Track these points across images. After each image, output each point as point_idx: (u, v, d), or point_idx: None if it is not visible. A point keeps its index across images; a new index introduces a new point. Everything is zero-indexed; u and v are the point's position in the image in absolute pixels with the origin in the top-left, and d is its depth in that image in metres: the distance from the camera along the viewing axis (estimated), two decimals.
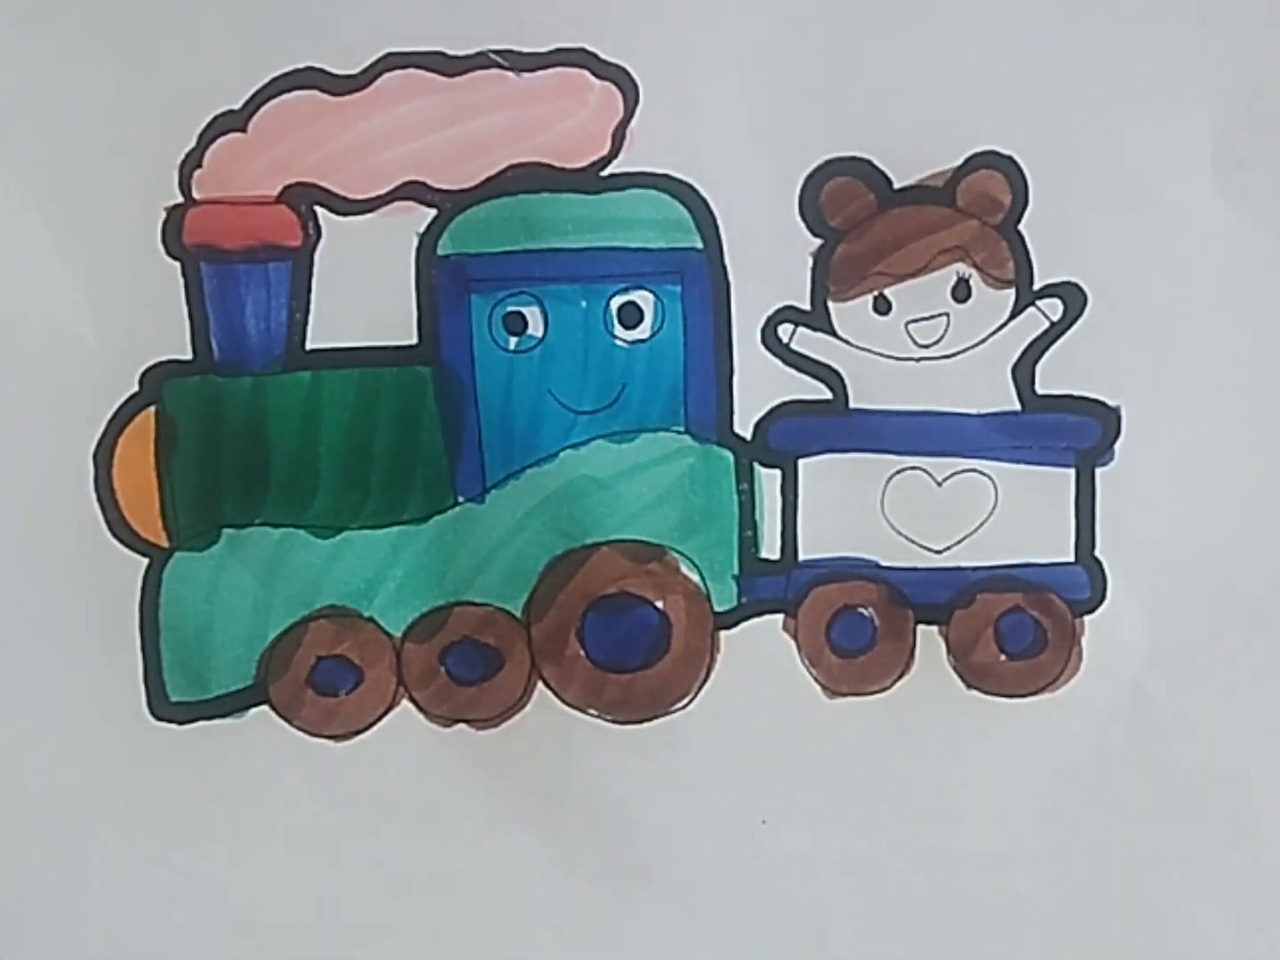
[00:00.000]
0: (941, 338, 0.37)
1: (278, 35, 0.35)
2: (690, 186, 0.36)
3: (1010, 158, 0.36)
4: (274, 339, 0.36)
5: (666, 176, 0.36)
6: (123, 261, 0.36)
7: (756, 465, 0.37)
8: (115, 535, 0.37)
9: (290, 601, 0.37)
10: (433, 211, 0.36)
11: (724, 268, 0.36)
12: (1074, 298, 0.37)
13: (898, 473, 0.37)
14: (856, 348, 0.37)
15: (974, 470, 0.37)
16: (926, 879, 0.38)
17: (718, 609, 0.38)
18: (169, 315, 0.36)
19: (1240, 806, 0.38)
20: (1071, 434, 0.37)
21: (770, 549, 0.38)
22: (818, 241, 0.37)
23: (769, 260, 0.36)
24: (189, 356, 0.36)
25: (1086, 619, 0.38)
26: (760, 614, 0.38)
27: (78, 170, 0.35)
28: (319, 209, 0.36)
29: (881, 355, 0.37)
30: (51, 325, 0.36)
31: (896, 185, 0.36)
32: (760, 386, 0.37)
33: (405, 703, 0.38)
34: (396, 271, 0.36)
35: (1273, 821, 0.38)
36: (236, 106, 0.35)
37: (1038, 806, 0.38)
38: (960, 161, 0.36)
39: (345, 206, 0.36)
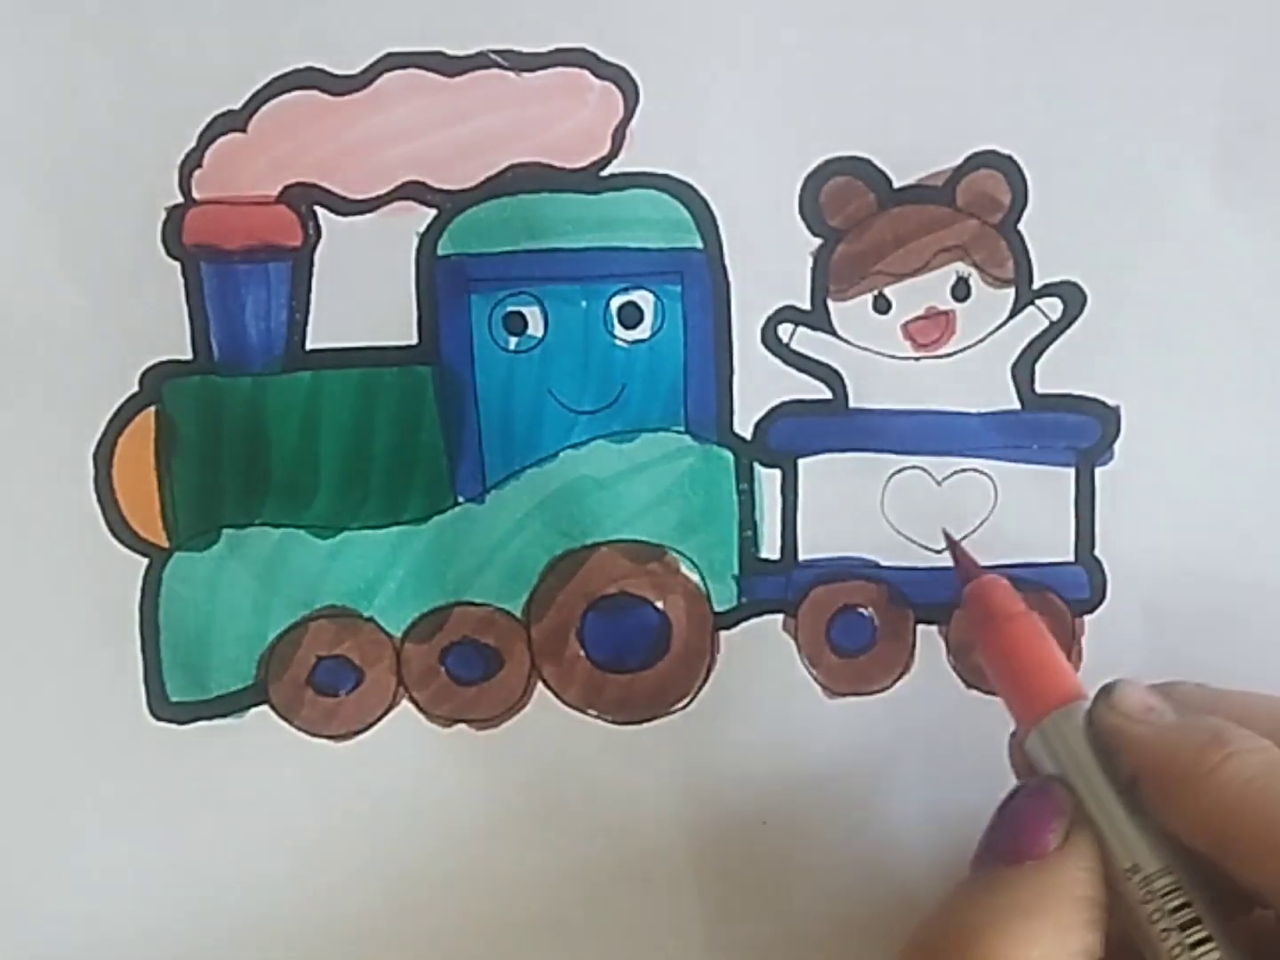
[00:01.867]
0: (941, 337, 0.37)
1: (278, 35, 0.35)
2: (690, 186, 0.36)
3: (1010, 158, 0.36)
4: (274, 339, 0.36)
5: (666, 176, 0.36)
6: (123, 261, 0.36)
7: (756, 465, 0.37)
8: (115, 535, 0.37)
9: (290, 601, 0.37)
10: (433, 211, 0.36)
11: (724, 268, 0.36)
12: (1073, 297, 0.37)
13: (897, 472, 0.37)
14: (856, 347, 0.37)
15: (974, 470, 0.37)
16: (927, 878, 0.38)
17: (718, 609, 0.38)
18: (169, 315, 0.36)
19: None
20: (1071, 433, 0.37)
21: (770, 549, 0.38)
22: (818, 241, 0.37)
23: (769, 260, 0.36)
24: (189, 356, 0.36)
25: (1086, 618, 0.38)
26: (760, 614, 0.38)
27: (78, 170, 0.35)
28: (319, 209, 0.36)
29: (881, 355, 0.37)
30: (51, 325, 0.36)
31: (896, 185, 0.36)
32: (760, 386, 0.37)
33: (405, 703, 0.38)
34: (396, 271, 0.36)
35: None
36: (236, 106, 0.35)
37: None
38: (960, 161, 0.36)
39: (345, 206, 0.36)
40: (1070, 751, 0.32)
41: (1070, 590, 0.38)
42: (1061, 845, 0.31)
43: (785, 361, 0.37)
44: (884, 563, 0.38)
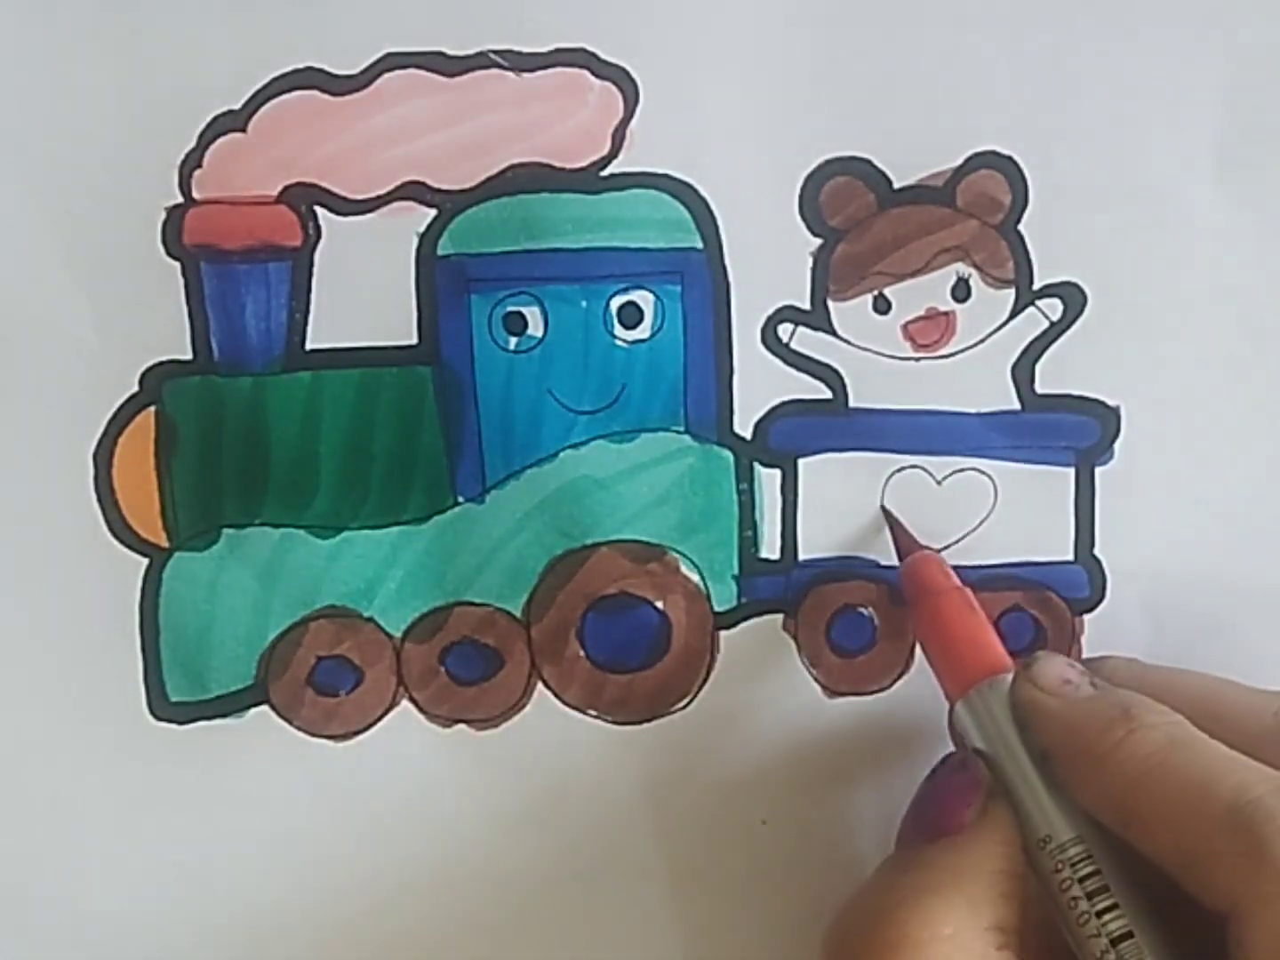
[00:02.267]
0: (941, 338, 0.37)
1: (278, 35, 0.35)
2: (690, 186, 0.36)
3: (1010, 158, 0.36)
4: (274, 339, 0.36)
5: (666, 176, 0.36)
6: (123, 261, 0.36)
7: (756, 465, 0.37)
8: (115, 535, 0.37)
9: (290, 601, 0.37)
10: (433, 211, 0.36)
11: (724, 268, 0.36)
12: (1074, 298, 0.37)
13: (897, 472, 0.37)
14: (856, 347, 0.37)
15: (973, 469, 0.37)
16: None
17: (718, 609, 0.38)
18: (169, 315, 0.36)
19: None
20: (1071, 433, 0.37)
21: (770, 549, 0.38)
22: (818, 241, 0.37)
23: (769, 260, 0.36)
24: (189, 356, 0.36)
25: (1086, 618, 0.38)
26: (760, 614, 0.38)
27: (78, 170, 0.35)
28: (319, 209, 0.36)
29: (881, 355, 0.37)
30: (51, 325, 0.36)
31: (896, 185, 0.36)
32: (760, 386, 0.37)
33: (405, 703, 0.38)
34: (396, 271, 0.36)
35: None
36: (236, 106, 0.35)
37: None
38: (960, 161, 0.36)
39: (345, 206, 0.36)
40: (994, 723, 0.33)
41: (1070, 589, 0.38)
42: (978, 820, 0.32)
43: (785, 361, 0.37)
44: (884, 562, 0.38)
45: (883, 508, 0.37)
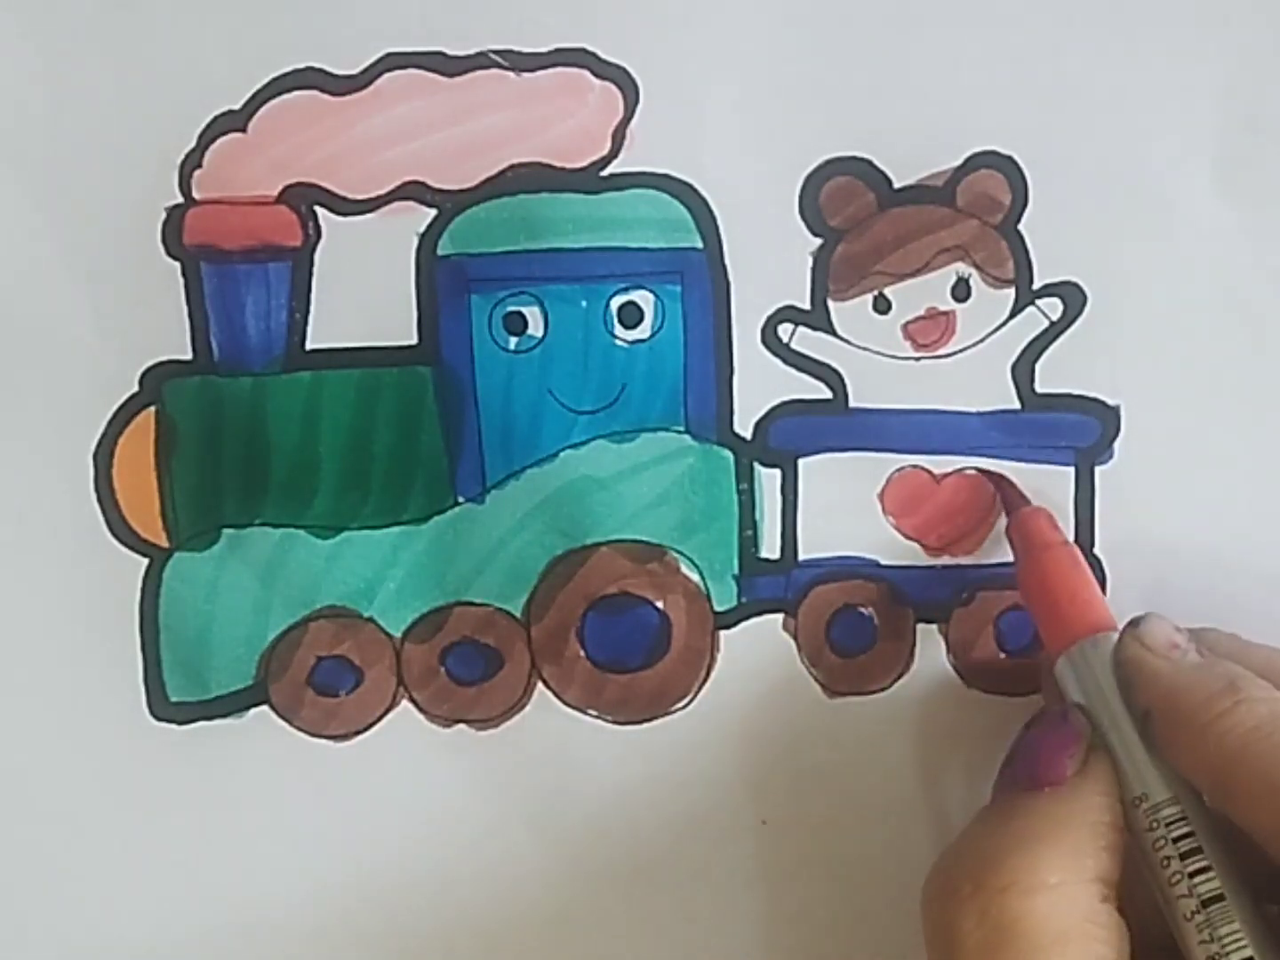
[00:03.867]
0: (941, 337, 0.37)
1: (278, 35, 0.35)
2: (690, 186, 0.36)
3: (1010, 158, 0.36)
4: (274, 339, 0.36)
5: (666, 176, 0.36)
6: (123, 261, 0.36)
7: (756, 465, 0.37)
8: (115, 535, 0.37)
9: (290, 601, 0.37)
10: (433, 211, 0.36)
11: (724, 268, 0.36)
12: (1074, 297, 0.37)
13: (897, 471, 0.37)
14: (856, 347, 0.37)
15: (974, 469, 0.37)
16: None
17: (718, 609, 0.38)
18: (169, 315, 0.36)
19: None
20: (1071, 433, 0.37)
21: (770, 549, 0.38)
22: (818, 241, 0.37)
23: (769, 260, 0.36)
24: (189, 356, 0.36)
25: None
26: (760, 614, 0.38)
27: (78, 170, 0.35)
28: (319, 209, 0.36)
29: (881, 355, 0.37)
30: (51, 325, 0.36)
31: (896, 185, 0.36)
32: (760, 386, 0.37)
33: (405, 703, 0.38)
34: (396, 271, 0.36)
35: None
36: (236, 106, 0.35)
37: None
38: (960, 161, 0.36)
39: (345, 206, 0.36)
40: (1094, 680, 0.33)
41: None
42: (1079, 772, 0.32)
43: (785, 361, 0.37)
44: (884, 562, 0.38)
45: (982, 469, 0.37)
